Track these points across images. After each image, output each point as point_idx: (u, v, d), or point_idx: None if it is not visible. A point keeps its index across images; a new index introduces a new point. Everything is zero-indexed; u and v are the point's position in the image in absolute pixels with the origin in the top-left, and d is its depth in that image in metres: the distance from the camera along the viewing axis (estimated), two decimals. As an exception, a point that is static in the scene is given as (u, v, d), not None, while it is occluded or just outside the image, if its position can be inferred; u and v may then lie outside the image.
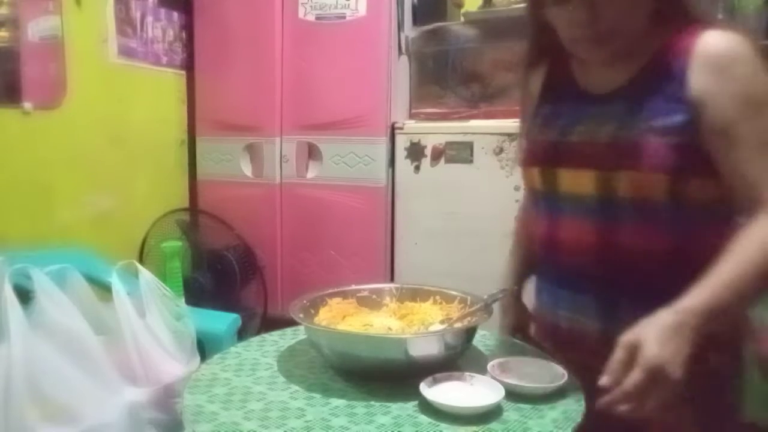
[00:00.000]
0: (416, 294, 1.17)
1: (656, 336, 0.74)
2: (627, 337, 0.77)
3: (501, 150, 2.16)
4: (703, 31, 0.87)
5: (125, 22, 2.41)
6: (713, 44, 0.86)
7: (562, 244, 1.00)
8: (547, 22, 0.96)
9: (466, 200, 2.23)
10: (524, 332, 1.17)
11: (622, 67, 0.94)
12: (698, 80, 0.86)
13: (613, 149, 0.91)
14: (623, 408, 0.74)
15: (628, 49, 0.93)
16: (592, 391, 0.84)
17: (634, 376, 0.73)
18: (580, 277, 0.98)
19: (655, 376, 0.72)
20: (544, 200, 1.03)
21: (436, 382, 0.90)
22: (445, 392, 0.88)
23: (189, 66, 2.75)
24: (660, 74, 0.90)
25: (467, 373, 0.93)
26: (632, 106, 0.91)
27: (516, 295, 1.17)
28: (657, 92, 0.89)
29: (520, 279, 1.19)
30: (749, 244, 0.81)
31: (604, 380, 0.76)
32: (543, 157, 1.02)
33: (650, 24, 0.91)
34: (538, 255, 1.08)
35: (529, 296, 1.16)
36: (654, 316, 0.77)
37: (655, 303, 0.80)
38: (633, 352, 0.75)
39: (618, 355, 0.76)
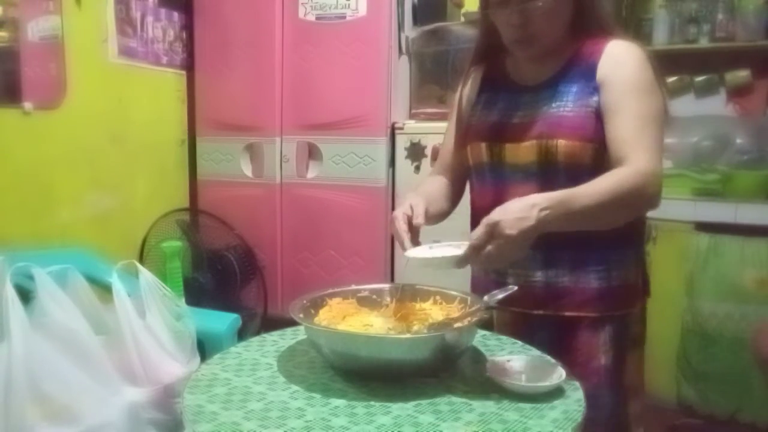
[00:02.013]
0: (416, 294, 1.17)
1: (505, 206, 0.93)
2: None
3: (501, 150, 2.16)
4: (611, 39, 1.14)
5: (125, 22, 2.41)
6: (616, 47, 1.13)
7: None
8: (493, 24, 1.19)
9: (467, 200, 2.22)
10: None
11: (546, 65, 1.17)
12: (602, 71, 1.12)
13: (549, 122, 1.13)
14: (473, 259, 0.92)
15: (552, 49, 1.16)
16: (533, 336, 1.13)
17: (477, 231, 0.92)
18: None
19: (492, 230, 0.91)
20: (490, 171, 1.21)
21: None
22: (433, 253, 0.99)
23: (189, 66, 2.75)
24: (578, 68, 1.14)
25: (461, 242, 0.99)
26: (559, 91, 1.14)
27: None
28: (577, 81, 1.13)
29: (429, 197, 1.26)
30: (609, 177, 1.03)
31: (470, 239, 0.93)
32: (489, 134, 1.21)
33: (569, 31, 1.16)
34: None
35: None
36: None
37: (589, 251, 1.13)
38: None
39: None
